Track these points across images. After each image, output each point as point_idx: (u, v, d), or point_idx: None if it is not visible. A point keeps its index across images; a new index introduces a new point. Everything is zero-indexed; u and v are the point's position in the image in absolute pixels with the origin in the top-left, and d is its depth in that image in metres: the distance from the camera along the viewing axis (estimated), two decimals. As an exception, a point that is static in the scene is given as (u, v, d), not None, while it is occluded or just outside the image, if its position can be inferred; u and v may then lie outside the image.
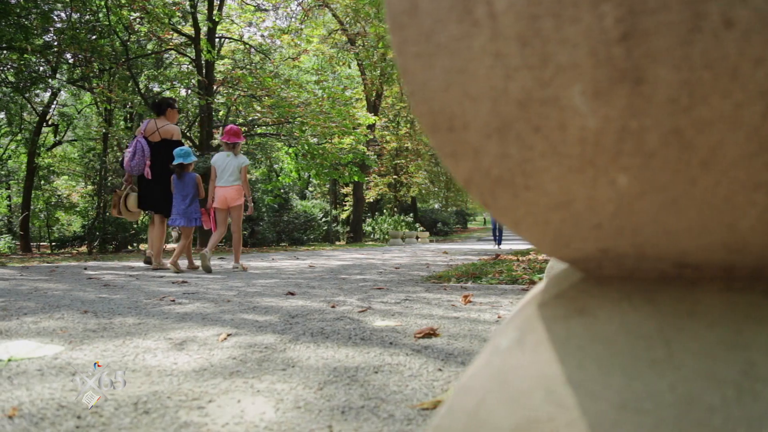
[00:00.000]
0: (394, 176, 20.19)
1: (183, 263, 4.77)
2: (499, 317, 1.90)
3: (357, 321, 1.79)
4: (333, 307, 2.13)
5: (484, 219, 49.97)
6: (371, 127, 14.12)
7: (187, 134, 13.39)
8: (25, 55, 9.27)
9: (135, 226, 11.31)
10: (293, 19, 14.55)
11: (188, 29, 12.03)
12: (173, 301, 2.36)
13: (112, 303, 2.30)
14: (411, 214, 20.84)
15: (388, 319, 1.83)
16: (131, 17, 10.32)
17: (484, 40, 0.32)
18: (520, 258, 5.34)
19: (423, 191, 24.68)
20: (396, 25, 0.33)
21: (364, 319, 1.83)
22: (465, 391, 0.37)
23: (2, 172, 15.29)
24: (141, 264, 5.35)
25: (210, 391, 1.01)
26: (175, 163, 4.31)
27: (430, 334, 1.55)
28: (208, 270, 4.16)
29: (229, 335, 1.53)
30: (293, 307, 2.12)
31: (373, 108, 16.20)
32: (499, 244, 10.74)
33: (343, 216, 19.77)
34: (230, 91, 11.96)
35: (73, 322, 1.80)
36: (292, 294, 2.56)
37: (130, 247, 10.77)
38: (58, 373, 1.13)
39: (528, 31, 0.32)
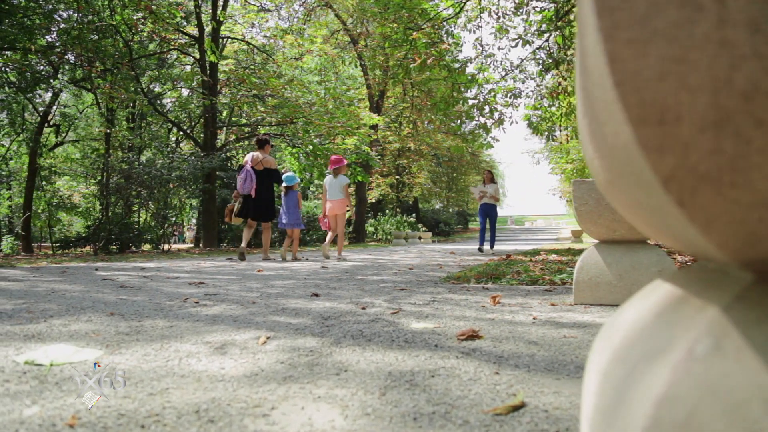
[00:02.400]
0: (397, 176, 20.15)
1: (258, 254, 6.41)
2: (534, 319, 1.88)
3: (393, 323, 1.76)
4: (363, 308, 2.10)
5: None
6: (374, 127, 14.10)
7: (191, 134, 13.35)
8: (29, 55, 9.22)
9: (138, 227, 11.27)
10: (296, 20, 14.52)
11: (191, 29, 11.99)
12: (197, 302, 2.33)
13: (136, 305, 2.26)
14: (413, 215, 20.79)
15: (424, 321, 1.80)
16: (135, 17, 10.27)
17: (709, 27, 0.29)
18: (533, 258, 5.32)
19: (425, 192, 24.64)
20: (605, 8, 0.31)
21: (398, 321, 1.80)
22: (671, 401, 0.34)
23: (3, 173, 15.22)
24: (152, 264, 5.32)
25: (268, 397, 0.98)
26: (284, 185, 6.17)
27: (473, 336, 1.52)
28: (326, 257, 6.19)
29: (268, 338, 1.50)
30: (322, 309, 2.09)
31: (376, 108, 16.17)
32: (489, 245, 8.72)
33: (345, 216, 19.73)
34: (234, 91, 11.91)
35: (103, 325, 1.77)
36: (316, 295, 2.53)
37: (133, 248, 10.72)
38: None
39: (761, 16, 0.29)
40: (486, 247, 8.95)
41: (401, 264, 5.37)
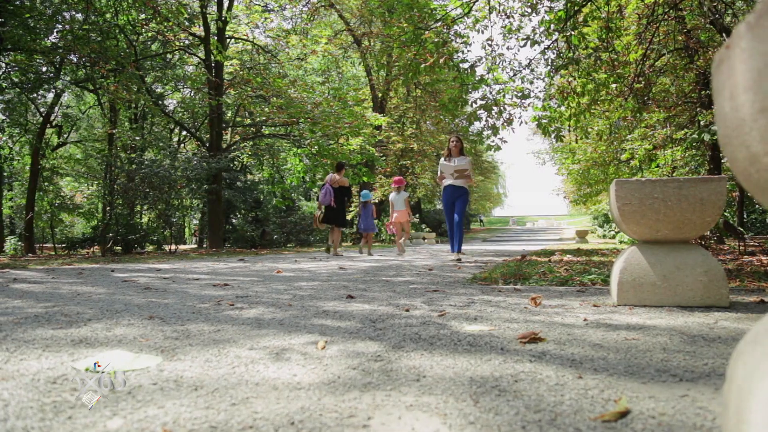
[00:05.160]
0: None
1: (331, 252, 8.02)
2: (585, 320, 1.84)
3: (445, 326, 1.72)
4: (407, 311, 2.06)
5: (481, 220, 49.89)
6: (378, 127, 14.07)
7: (196, 135, 13.29)
8: (35, 56, 9.16)
9: (143, 228, 11.19)
10: (299, 20, 14.46)
11: (195, 29, 11.92)
12: (232, 305, 2.28)
13: (170, 308, 2.22)
14: (416, 215, 20.71)
15: (475, 324, 1.76)
16: (140, 17, 10.19)
17: None
18: (551, 259, 5.28)
19: (428, 192, 24.59)
20: None
21: (449, 324, 1.76)
22: None
23: (6, 173, 15.14)
24: (166, 266, 5.28)
25: (358, 406, 0.94)
26: (362, 200, 8.28)
27: (535, 339, 1.48)
28: (402, 252, 7.85)
29: (326, 343, 1.46)
30: (364, 312, 2.05)
31: (380, 108, 16.13)
32: (458, 249, 5.99)
33: (348, 217, 19.65)
34: (241, 90, 11.85)
35: (146, 329, 1.73)
36: (351, 297, 2.48)
37: (138, 248, 10.65)
38: (178, 388, 1.06)
39: None
40: (454, 252, 6.08)
41: (417, 265, 5.33)
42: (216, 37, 11.11)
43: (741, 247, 7.01)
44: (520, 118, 8.32)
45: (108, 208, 10.30)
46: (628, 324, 1.78)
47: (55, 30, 9.90)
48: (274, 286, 3.14)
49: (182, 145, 17.65)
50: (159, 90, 14.56)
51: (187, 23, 12.08)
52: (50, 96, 14.56)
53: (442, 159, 6.13)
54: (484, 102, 8.42)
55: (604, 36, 7.18)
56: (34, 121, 15.40)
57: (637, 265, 2.19)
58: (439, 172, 6.10)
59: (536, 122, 8.76)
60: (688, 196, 2.11)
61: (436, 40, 7.23)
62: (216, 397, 1.00)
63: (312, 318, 1.91)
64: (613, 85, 7.99)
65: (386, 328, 1.69)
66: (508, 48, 9.28)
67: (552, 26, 7.41)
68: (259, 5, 13.13)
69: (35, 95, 11.77)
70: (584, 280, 3.14)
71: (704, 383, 1.08)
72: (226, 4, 11.80)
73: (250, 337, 1.58)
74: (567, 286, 3.04)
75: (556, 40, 7.76)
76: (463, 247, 13.18)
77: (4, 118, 13.44)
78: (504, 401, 0.96)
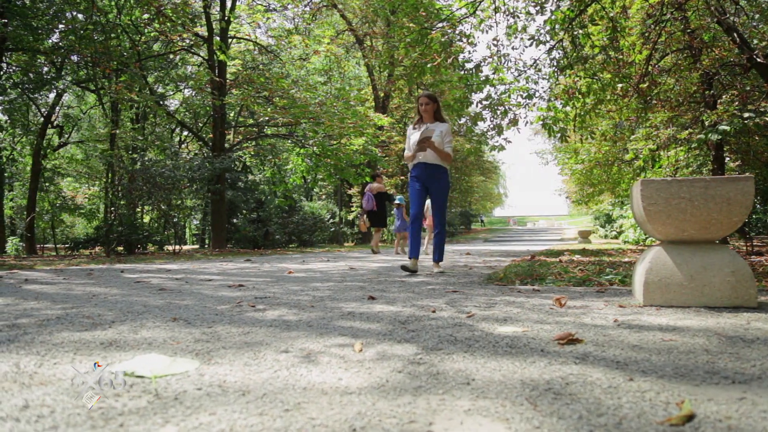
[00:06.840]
0: (401, 177, 20.08)
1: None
2: (615, 321, 1.82)
3: (477, 328, 1.70)
4: (433, 312, 2.04)
5: (482, 220, 49.86)
6: (380, 128, 14.03)
7: (199, 135, 13.24)
8: (38, 56, 9.11)
9: (147, 229, 11.15)
10: (301, 20, 14.44)
11: (198, 29, 11.89)
12: (253, 306, 2.26)
13: (191, 309, 2.20)
14: (417, 215, 20.64)
15: (506, 325, 1.74)
16: (144, 17, 10.15)
17: None
18: (562, 259, 5.26)
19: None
20: None
21: (481, 326, 1.74)
22: None
23: (7, 174, 15.10)
24: (175, 266, 5.26)
25: (416, 411, 0.92)
26: (396, 203, 9.06)
27: (573, 340, 1.46)
28: (426, 253, 8.26)
29: (363, 345, 1.44)
30: (390, 313, 2.03)
31: (382, 108, 16.10)
32: (438, 259, 4.25)
33: (350, 217, 19.66)
34: (243, 90, 11.81)
35: (173, 332, 1.70)
36: (373, 298, 2.46)
37: (142, 249, 10.60)
38: (224, 393, 1.04)
39: None
40: (422, 258, 4.86)
41: (427, 266, 5.31)
42: (219, 37, 11.07)
43: (747, 248, 7.00)
44: (525, 118, 8.31)
45: (111, 208, 10.25)
46: (660, 325, 1.76)
47: (57, 30, 9.86)
48: (290, 287, 3.12)
49: (184, 145, 17.61)
50: (160, 90, 14.51)
51: (190, 23, 12.05)
52: (51, 96, 14.52)
53: (410, 127, 4.19)
54: (488, 102, 8.40)
55: (610, 35, 7.17)
56: (36, 122, 15.35)
57: (663, 266, 2.17)
58: (406, 149, 4.16)
59: (541, 122, 8.74)
60: (714, 196, 2.09)
61: (442, 40, 7.21)
62: (266, 402, 0.98)
63: (338, 320, 1.89)
64: (619, 86, 7.97)
65: (418, 330, 1.67)
66: (513, 48, 9.27)
67: (557, 26, 7.39)
68: (261, 5, 13.10)
69: (37, 95, 11.72)
70: (602, 281, 3.12)
71: (758, 385, 1.06)
72: (228, 4, 11.78)
73: (281, 339, 1.56)
74: (585, 286, 3.02)
75: (562, 40, 7.75)
76: (468, 247, 13.16)
77: (5, 118, 13.39)
78: (563, 404, 0.94)
